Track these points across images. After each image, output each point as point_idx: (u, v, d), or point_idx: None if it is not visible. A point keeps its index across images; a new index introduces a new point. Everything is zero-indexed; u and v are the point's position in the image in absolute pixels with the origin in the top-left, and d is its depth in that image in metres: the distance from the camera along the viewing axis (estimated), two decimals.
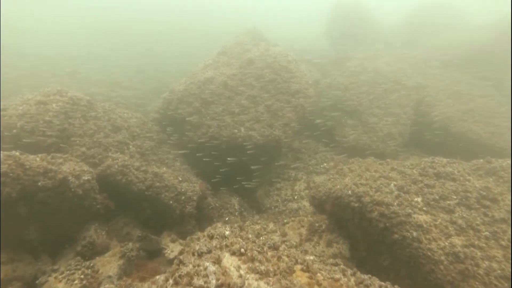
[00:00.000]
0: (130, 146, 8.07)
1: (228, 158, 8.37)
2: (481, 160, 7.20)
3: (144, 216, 7.57)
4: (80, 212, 6.39)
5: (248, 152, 8.83)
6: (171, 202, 7.25)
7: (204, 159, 8.71)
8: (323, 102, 11.90)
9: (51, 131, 7.08)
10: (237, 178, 8.89)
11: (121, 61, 18.95)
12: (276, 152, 9.93)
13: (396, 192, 6.22)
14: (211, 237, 4.36)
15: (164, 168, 8.49)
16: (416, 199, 6.00)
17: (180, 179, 7.98)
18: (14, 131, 6.83)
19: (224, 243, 4.17)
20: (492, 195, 5.92)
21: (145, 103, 12.98)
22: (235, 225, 4.78)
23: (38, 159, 5.68)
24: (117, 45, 22.19)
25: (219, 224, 4.82)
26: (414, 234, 5.30)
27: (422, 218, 5.56)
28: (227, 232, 4.53)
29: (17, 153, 5.42)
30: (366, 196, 6.28)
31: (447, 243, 5.20)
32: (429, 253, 5.06)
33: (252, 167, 8.73)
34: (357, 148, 10.67)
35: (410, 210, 5.66)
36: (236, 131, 9.08)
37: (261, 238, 4.74)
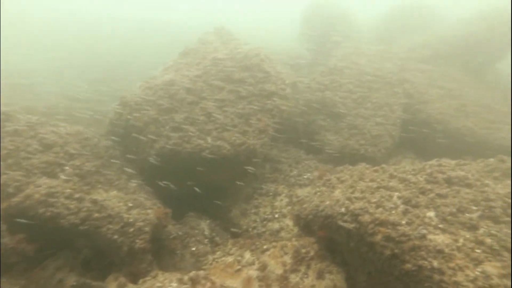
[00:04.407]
0: (66, 168, 6.39)
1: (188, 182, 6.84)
2: (492, 159, 6.02)
3: (82, 257, 5.88)
4: None
5: (215, 165, 7.36)
6: (115, 236, 5.60)
7: (162, 180, 7.15)
8: (302, 104, 10.59)
9: None
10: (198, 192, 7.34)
11: (78, 74, 17.16)
12: (250, 163, 8.47)
13: (402, 207, 4.86)
14: None
15: (115, 192, 6.87)
16: (428, 214, 4.65)
17: (131, 205, 6.35)
18: None
19: None
20: None
21: (99, 116, 11.25)
22: (185, 277, 3.22)
23: None
24: (74, 58, 20.29)
25: (160, 274, 3.25)
26: (435, 263, 3.91)
27: (441, 239, 4.19)
28: None
29: None
30: (365, 214, 4.89)
31: (478, 273, 3.84)
32: None
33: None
34: (344, 154, 9.39)
35: (424, 230, 4.29)
36: (201, 141, 7.59)
37: None
